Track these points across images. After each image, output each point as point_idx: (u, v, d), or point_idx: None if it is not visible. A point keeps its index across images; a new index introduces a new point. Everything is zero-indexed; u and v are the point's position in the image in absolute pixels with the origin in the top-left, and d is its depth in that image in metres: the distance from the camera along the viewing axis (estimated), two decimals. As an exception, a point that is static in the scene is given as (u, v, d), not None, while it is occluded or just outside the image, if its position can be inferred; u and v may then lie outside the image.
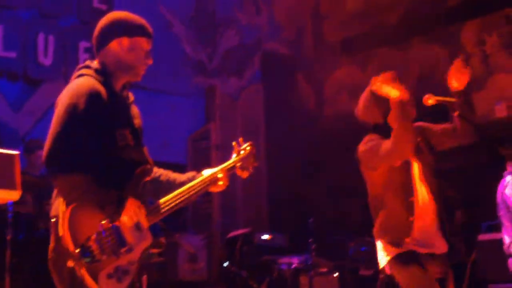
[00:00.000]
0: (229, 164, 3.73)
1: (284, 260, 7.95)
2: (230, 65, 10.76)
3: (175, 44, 10.13)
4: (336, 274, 7.98)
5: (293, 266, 7.74)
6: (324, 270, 7.87)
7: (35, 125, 8.45)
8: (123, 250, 3.08)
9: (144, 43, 3.39)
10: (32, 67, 8.61)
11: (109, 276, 3.05)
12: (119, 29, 3.37)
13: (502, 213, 5.89)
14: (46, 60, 8.72)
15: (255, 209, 10.35)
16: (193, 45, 10.40)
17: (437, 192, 4.12)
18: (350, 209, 9.38)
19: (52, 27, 8.88)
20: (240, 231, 8.80)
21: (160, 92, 9.81)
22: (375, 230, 4.16)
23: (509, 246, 5.94)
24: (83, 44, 8.77)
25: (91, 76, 3.30)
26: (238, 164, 3.77)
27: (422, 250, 4.03)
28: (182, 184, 3.53)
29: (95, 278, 3.01)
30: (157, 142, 9.35)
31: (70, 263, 3.02)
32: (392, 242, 4.03)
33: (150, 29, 3.45)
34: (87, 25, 8.54)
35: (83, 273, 3.00)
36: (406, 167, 4.07)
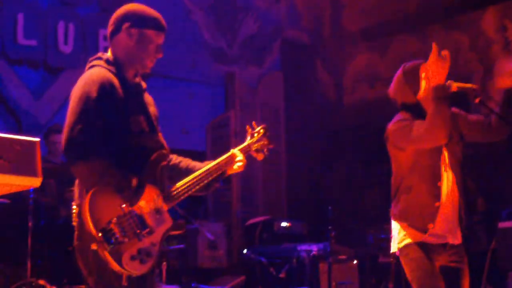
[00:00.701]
0: (243, 147, 3.81)
1: (303, 247, 7.96)
2: (249, 53, 10.75)
3: (194, 32, 10.13)
4: (355, 262, 7.98)
5: (312, 253, 7.74)
6: (343, 257, 7.86)
7: (56, 112, 8.51)
8: (144, 232, 3.20)
9: (154, 36, 3.44)
10: (52, 55, 8.66)
11: (133, 258, 3.14)
12: (129, 19, 3.43)
13: None
14: (67, 48, 8.77)
15: (274, 197, 10.37)
16: (213, 33, 10.40)
17: (461, 182, 4.09)
18: (369, 197, 9.38)
19: (72, 15, 8.91)
20: (259, 219, 8.81)
21: (179, 80, 9.83)
22: (394, 212, 4.12)
23: None
24: (102, 32, 8.79)
25: (102, 66, 3.39)
26: (253, 147, 3.85)
27: (436, 241, 3.99)
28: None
29: (119, 260, 3.10)
30: (176, 130, 9.41)
31: (94, 246, 3.10)
32: (415, 226, 4.00)
33: (162, 23, 3.49)
34: (107, 12, 8.56)
35: (107, 255, 3.09)
36: (436, 151, 4.04)
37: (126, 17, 3.44)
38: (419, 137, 3.91)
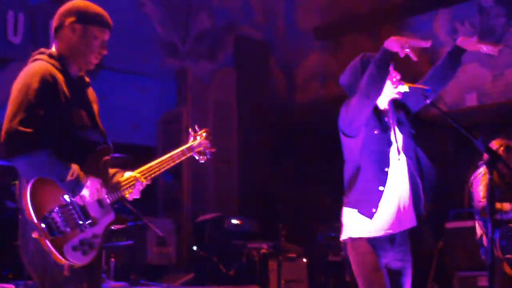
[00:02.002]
0: (185, 148, 3.87)
1: (253, 245, 7.97)
2: (202, 48, 10.70)
3: (146, 25, 10.03)
4: (304, 260, 8.02)
5: (262, 251, 7.75)
6: (293, 255, 7.90)
7: (3, 105, 8.34)
8: (87, 223, 3.21)
9: (98, 32, 3.44)
10: (1, 46, 8.48)
11: (74, 248, 3.15)
12: (73, 15, 3.43)
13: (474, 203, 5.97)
14: (16, 39, 8.60)
15: (225, 194, 10.34)
16: (165, 27, 10.31)
17: (417, 164, 4.14)
18: (320, 195, 9.41)
19: (22, 5, 8.74)
20: (209, 216, 8.79)
21: (131, 74, 9.73)
22: (346, 200, 4.16)
23: (480, 238, 6.01)
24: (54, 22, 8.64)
25: (45, 60, 3.38)
26: (196, 149, 3.92)
27: (382, 233, 4.03)
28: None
29: (60, 249, 3.10)
30: (127, 124, 9.31)
31: (35, 235, 3.09)
32: (362, 211, 4.04)
33: (107, 19, 3.49)
34: (58, 3, 8.42)
35: (48, 244, 3.08)
36: (385, 137, 4.08)
37: (70, 13, 3.44)
38: (358, 98, 3.96)
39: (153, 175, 3.61)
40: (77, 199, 3.21)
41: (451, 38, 9.02)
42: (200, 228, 8.66)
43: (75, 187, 3.19)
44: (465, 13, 9.19)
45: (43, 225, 3.08)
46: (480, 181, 6.06)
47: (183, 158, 3.81)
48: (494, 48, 4.18)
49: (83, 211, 3.22)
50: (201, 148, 3.94)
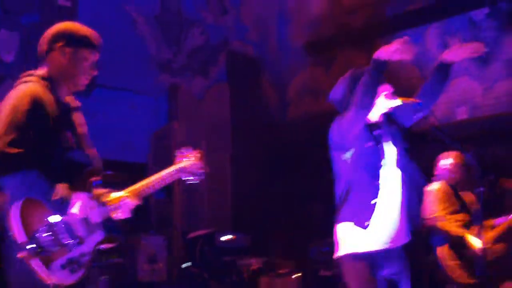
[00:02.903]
0: (176, 169, 3.83)
1: (245, 261, 7.95)
2: (195, 64, 10.72)
3: (139, 43, 10.05)
4: (296, 275, 8.00)
5: (254, 267, 7.74)
6: (285, 271, 7.89)
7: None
8: (74, 242, 3.23)
9: (87, 54, 3.48)
10: (-7, 64, 8.50)
11: (62, 267, 3.17)
12: (62, 38, 3.47)
13: None
14: (9, 57, 8.61)
15: (219, 210, 10.32)
16: (158, 44, 10.34)
17: (409, 179, 4.15)
18: (311, 210, 9.41)
19: (15, 24, 8.76)
20: (201, 232, 8.76)
21: (123, 90, 9.74)
22: (339, 215, 4.15)
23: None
24: (39, 48, 8.64)
25: (34, 82, 3.40)
26: (188, 169, 3.88)
27: (376, 248, 4.03)
28: None
29: (47, 268, 3.12)
30: (119, 141, 9.30)
31: (20, 255, 3.10)
32: (357, 223, 4.04)
33: (96, 40, 3.53)
34: (51, 22, 8.43)
35: (34, 264, 3.10)
36: (377, 150, 4.09)
37: (59, 36, 3.48)
38: (352, 112, 3.97)
39: (143, 195, 3.60)
40: (64, 218, 3.22)
41: (443, 52, 9.06)
42: (191, 245, 8.63)
43: (62, 206, 3.20)
44: (456, 27, 9.23)
45: (30, 245, 3.09)
46: (433, 195, 6.13)
47: (170, 180, 3.78)
48: (478, 47, 4.21)
49: (71, 230, 3.23)
50: (192, 169, 3.91)
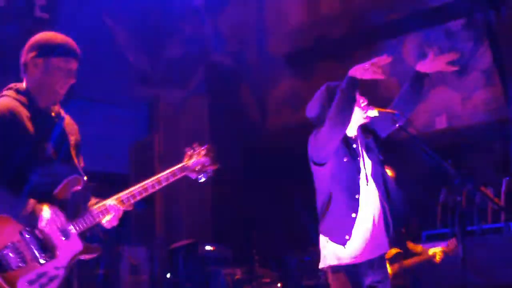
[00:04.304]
0: (179, 167, 3.74)
1: (228, 271, 7.94)
2: (174, 76, 10.72)
3: (118, 54, 10.03)
4: (279, 285, 8.00)
5: (237, 277, 7.73)
6: (267, 280, 7.88)
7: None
8: (45, 256, 3.21)
9: (60, 63, 3.41)
10: (-29, 76, 8.44)
11: (30, 282, 3.15)
12: (34, 50, 3.45)
13: None
14: (-14, 70, 8.55)
15: (199, 220, 10.30)
16: (137, 55, 10.32)
17: (385, 191, 4.17)
18: (293, 220, 9.42)
19: (-8, 35, 8.71)
20: (183, 242, 8.74)
21: (102, 102, 9.71)
22: (320, 228, 4.19)
23: None
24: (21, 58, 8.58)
25: (11, 96, 3.39)
26: (194, 168, 3.78)
27: (358, 260, 4.06)
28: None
29: (13, 285, 3.12)
30: (99, 153, 9.25)
31: None
32: (336, 239, 4.06)
33: (71, 48, 3.47)
34: (29, 34, 8.39)
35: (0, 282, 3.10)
36: (354, 164, 4.12)
37: (31, 48, 3.46)
38: (327, 127, 3.99)
39: (133, 200, 3.56)
40: (36, 233, 3.20)
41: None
42: (173, 255, 8.61)
43: (31, 221, 3.18)
44: (433, 38, 9.31)
45: None
46: None
47: (173, 179, 3.70)
48: (452, 58, 4.25)
49: (42, 244, 3.21)
50: (198, 167, 3.81)
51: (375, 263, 4.11)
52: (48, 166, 3.33)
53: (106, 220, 3.49)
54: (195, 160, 3.81)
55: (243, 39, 11.51)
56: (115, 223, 3.52)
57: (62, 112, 3.57)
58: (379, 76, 3.95)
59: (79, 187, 3.42)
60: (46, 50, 3.42)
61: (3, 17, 8.84)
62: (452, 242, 6.82)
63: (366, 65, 3.94)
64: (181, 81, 10.77)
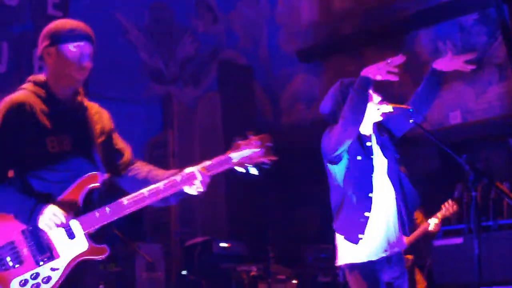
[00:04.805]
0: (214, 162, 3.49)
1: (243, 268, 7.95)
2: (187, 73, 10.73)
3: (131, 52, 10.06)
4: (294, 281, 8.00)
5: (252, 273, 7.74)
6: (283, 277, 7.89)
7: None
8: (42, 257, 3.13)
9: (74, 48, 3.32)
10: (-15, 75, 8.48)
11: (22, 284, 3.09)
12: (46, 39, 3.37)
13: None
14: (0, 68, 8.59)
15: (213, 218, 10.32)
16: (150, 53, 10.35)
17: (401, 189, 4.17)
18: (308, 217, 9.42)
19: (5, 34, 8.75)
20: (198, 239, 8.76)
21: (116, 100, 9.73)
22: (334, 226, 4.19)
23: None
24: (37, 52, 8.62)
25: (27, 89, 3.33)
26: (244, 160, 3.49)
27: (376, 258, 4.06)
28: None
29: (5, 285, 3.07)
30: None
31: None
32: (349, 238, 4.07)
33: (82, 31, 3.36)
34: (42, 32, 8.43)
35: None
36: (368, 162, 4.11)
37: (44, 38, 3.38)
38: (341, 127, 3.98)
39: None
40: (37, 232, 3.13)
41: (434, 57, 9.10)
42: (189, 252, 8.62)
43: (30, 220, 3.11)
44: (446, 33, 9.28)
45: None
46: None
47: (220, 170, 3.47)
48: (468, 55, 4.23)
49: (40, 244, 3.14)
50: (247, 159, 3.49)
51: (392, 259, 4.11)
52: (64, 161, 3.24)
53: (194, 187, 3.36)
54: (244, 151, 3.52)
55: (255, 36, 11.51)
56: (203, 189, 3.38)
57: (86, 101, 3.47)
58: (392, 76, 3.94)
59: (95, 184, 3.29)
60: (57, 37, 3.32)
61: (16, 15, 8.88)
62: (448, 207, 6.83)
63: (381, 65, 3.93)
64: (194, 79, 10.78)
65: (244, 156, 3.50)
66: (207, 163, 3.46)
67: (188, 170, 3.38)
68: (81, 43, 3.33)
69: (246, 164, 3.49)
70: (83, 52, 3.33)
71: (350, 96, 3.99)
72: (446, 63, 4.20)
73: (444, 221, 7.04)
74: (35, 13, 8.97)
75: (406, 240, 6.15)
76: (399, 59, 3.94)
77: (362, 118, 4.02)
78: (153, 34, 10.44)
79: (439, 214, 6.94)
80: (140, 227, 9.49)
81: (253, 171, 3.50)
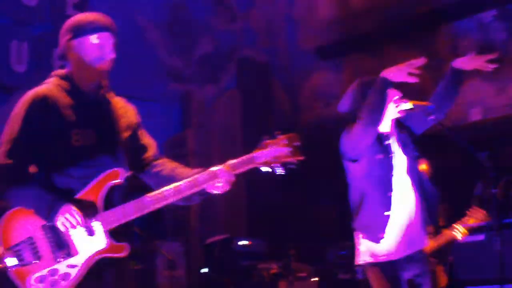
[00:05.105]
0: (240, 161, 3.44)
1: (263, 265, 7.95)
2: (205, 72, 10.75)
3: (150, 51, 10.09)
4: (315, 279, 7.99)
5: (272, 271, 7.74)
6: (303, 275, 7.88)
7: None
8: (60, 254, 3.10)
9: (95, 40, 3.31)
10: (5, 75, 8.54)
11: (40, 280, 3.07)
12: (67, 34, 3.35)
13: None
14: (20, 67, 8.65)
15: (233, 215, 10.33)
16: (169, 52, 10.38)
17: (421, 186, 4.15)
18: (328, 214, 9.41)
19: (25, 34, 8.81)
20: (218, 237, 8.77)
21: (135, 99, 9.75)
22: (354, 225, 4.18)
23: None
24: (57, 51, 8.67)
25: (51, 82, 3.33)
26: (261, 160, 3.42)
27: (396, 256, 4.05)
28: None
29: (23, 281, 3.06)
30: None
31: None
32: (369, 237, 4.06)
33: (102, 22, 3.35)
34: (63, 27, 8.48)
35: (11, 275, 3.06)
36: (387, 161, 4.10)
37: (65, 33, 3.36)
38: (359, 126, 3.98)
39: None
40: (56, 228, 3.09)
41: (453, 54, 9.06)
42: (209, 250, 8.64)
43: (49, 216, 3.07)
44: (465, 29, 9.23)
45: (7, 257, 3.06)
46: None
47: (245, 169, 3.43)
48: (489, 55, 4.21)
49: (59, 241, 3.11)
50: (272, 158, 3.42)
51: (413, 257, 4.09)
52: (87, 156, 3.20)
53: (218, 186, 3.34)
54: (270, 150, 3.43)
55: (274, 33, 11.50)
56: (227, 188, 3.36)
57: (111, 95, 3.45)
58: (412, 79, 3.93)
59: (117, 181, 3.24)
60: (78, 30, 3.31)
61: (36, 16, 8.94)
62: (473, 214, 6.72)
63: (401, 66, 3.93)
64: (213, 77, 10.80)
65: (271, 155, 3.43)
66: (232, 161, 3.43)
67: (212, 169, 3.36)
68: (103, 34, 3.32)
69: (272, 164, 3.43)
70: (105, 43, 3.32)
71: (369, 97, 3.98)
72: (466, 62, 4.18)
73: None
74: (55, 13, 9.03)
75: (430, 245, 6.13)
76: (420, 61, 3.93)
77: (381, 120, 4.02)
78: (171, 32, 10.47)
79: (470, 221, 6.78)
80: (160, 225, 9.53)
81: (279, 171, 3.45)
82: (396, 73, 3.93)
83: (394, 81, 3.95)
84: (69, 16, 9.72)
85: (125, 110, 3.52)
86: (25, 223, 3.12)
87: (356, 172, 4.16)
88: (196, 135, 10.15)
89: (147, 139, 3.63)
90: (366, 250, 4.12)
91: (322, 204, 9.62)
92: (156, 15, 10.32)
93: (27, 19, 8.90)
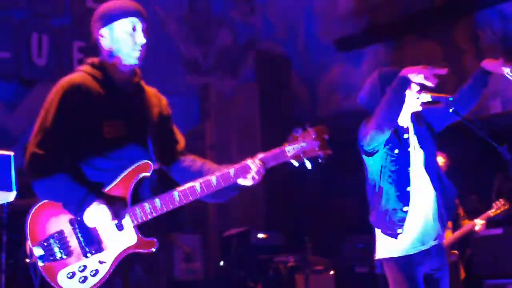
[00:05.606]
0: (269, 155, 3.35)
1: (280, 258, 7.96)
2: (224, 64, 10.75)
3: (169, 43, 10.10)
4: (332, 272, 7.99)
5: (289, 264, 7.74)
6: (320, 268, 7.88)
7: (30, 126, 8.41)
8: (90, 249, 3.06)
9: (124, 25, 3.28)
10: (26, 68, 8.57)
11: (70, 276, 3.03)
12: (98, 22, 3.32)
13: None
14: (40, 60, 8.69)
15: (251, 208, 10.34)
16: (187, 44, 10.38)
17: (439, 181, 4.13)
18: (345, 207, 9.39)
19: (45, 27, 8.85)
20: (236, 230, 8.78)
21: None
22: (370, 219, 4.17)
23: None
24: (77, 44, 8.73)
25: (83, 70, 3.28)
26: (295, 153, 3.32)
27: (414, 251, 4.03)
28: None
29: (53, 277, 3.02)
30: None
31: (27, 260, 3.06)
32: (387, 232, 4.04)
33: (130, 7, 3.32)
34: (81, 24, 8.53)
35: (42, 271, 3.03)
36: (404, 156, 4.08)
37: (95, 22, 3.33)
38: (375, 120, 3.95)
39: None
40: (86, 223, 3.05)
41: (473, 45, 8.99)
42: (226, 243, 8.66)
43: (78, 212, 3.03)
44: (486, 20, 9.15)
45: (37, 252, 3.03)
46: None
47: (276, 163, 3.34)
48: None
49: (89, 236, 3.06)
50: (301, 152, 3.32)
51: (431, 252, 4.07)
52: (118, 148, 3.16)
53: (249, 176, 3.24)
54: (300, 143, 3.33)
55: (292, 26, 11.48)
56: (257, 181, 3.28)
57: (142, 83, 3.42)
58: (430, 82, 3.90)
59: (147, 174, 3.19)
60: (107, 18, 3.27)
61: (56, 9, 8.97)
62: (499, 205, 6.70)
63: (422, 69, 3.89)
64: (232, 69, 10.79)
65: (300, 149, 3.32)
66: (263, 155, 3.34)
67: (243, 162, 3.28)
68: (132, 19, 3.29)
69: (301, 157, 3.33)
70: (136, 28, 3.29)
71: (387, 94, 3.95)
72: (496, 66, 4.13)
73: (483, 211, 6.95)
74: (74, 6, 9.07)
75: (449, 238, 6.10)
76: (442, 71, 3.90)
77: (397, 117, 3.99)
78: (190, 25, 10.47)
79: (490, 213, 6.79)
80: (177, 217, 9.56)
81: (308, 165, 3.34)
82: (417, 74, 3.89)
83: (412, 81, 3.92)
84: (89, 9, 9.81)
85: (158, 99, 3.48)
86: (53, 218, 3.07)
87: (373, 166, 4.13)
88: (214, 127, 10.16)
89: (177, 133, 3.60)
90: (383, 245, 4.10)
91: (340, 197, 9.60)
92: (175, 8, 10.33)
93: (46, 12, 8.94)
